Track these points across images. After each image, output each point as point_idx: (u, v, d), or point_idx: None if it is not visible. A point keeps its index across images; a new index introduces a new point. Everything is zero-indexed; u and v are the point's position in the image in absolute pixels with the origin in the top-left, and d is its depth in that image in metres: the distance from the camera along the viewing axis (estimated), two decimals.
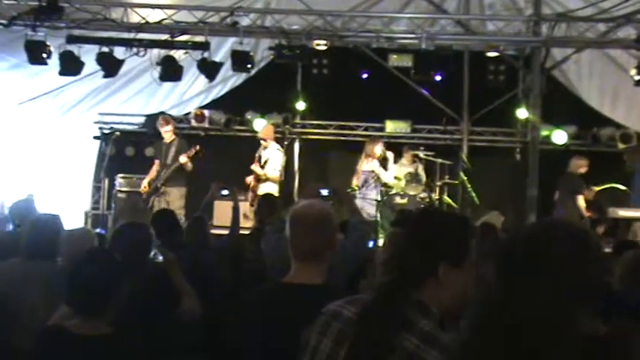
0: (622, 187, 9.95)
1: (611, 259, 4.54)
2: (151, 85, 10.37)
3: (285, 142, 10.92)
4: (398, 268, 1.93)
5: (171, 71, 9.34)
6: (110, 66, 9.33)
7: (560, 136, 11.15)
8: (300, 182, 11.78)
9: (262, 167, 9.86)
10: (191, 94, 11.48)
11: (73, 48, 9.10)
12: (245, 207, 9.01)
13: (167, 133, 9.66)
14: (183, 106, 11.67)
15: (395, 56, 10.10)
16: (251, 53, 9.48)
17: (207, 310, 4.07)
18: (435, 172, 10.45)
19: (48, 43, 9.03)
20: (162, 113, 11.16)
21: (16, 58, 9.73)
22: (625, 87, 9.95)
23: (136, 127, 11.85)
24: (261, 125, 11.20)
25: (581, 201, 9.37)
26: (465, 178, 10.14)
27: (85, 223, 10.80)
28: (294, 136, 11.95)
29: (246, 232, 6.59)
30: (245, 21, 9.52)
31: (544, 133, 10.76)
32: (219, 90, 11.45)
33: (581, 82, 10.89)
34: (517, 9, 10.34)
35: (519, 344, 1.74)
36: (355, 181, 9.83)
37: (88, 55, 9.22)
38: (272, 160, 9.89)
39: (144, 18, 9.24)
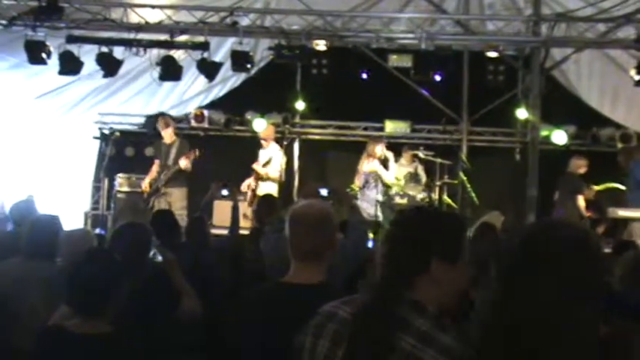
0: (621, 187, 9.94)
1: (611, 260, 4.54)
2: (151, 85, 10.37)
3: (285, 142, 10.92)
4: (389, 266, 1.92)
5: (170, 71, 9.34)
6: (110, 66, 9.34)
7: (559, 136, 11.14)
8: (299, 182, 11.78)
9: (263, 166, 9.89)
10: (191, 94, 11.48)
11: (73, 48, 9.10)
12: (243, 207, 9.02)
13: (167, 135, 9.66)
14: (183, 106, 11.67)
15: (394, 56, 10.10)
16: (251, 53, 9.48)
17: (207, 310, 4.07)
18: (435, 172, 10.44)
19: (48, 43, 9.03)
20: (162, 113, 11.17)
21: (16, 58, 9.74)
22: (625, 87, 9.96)
23: (135, 127, 11.86)
24: (260, 125, 11.21)
25: (581, 201, 9.38)
26: (465, 178, 10.14)
27: (85, 223, 10.80)
28: (293, 136, 11.95)
29: (246, 232, 6.59)
30: (245, 21, 9.52)
31: (544, 133, 10.75)
32: (218, 90, 11.45)
33: (581, 82, 10.89)
34: (517, 9, 10.34)
35: (519, 344, 1.75)
36: (357, 181, 9.84)
37: (88, 55, 9.23)
38: (275, 160, 9.92)
39: (143, 18, 9.24)
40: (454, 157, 10.85)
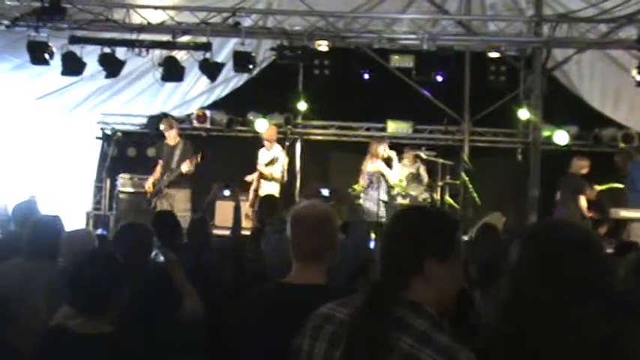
0: (623, 187, 9.93)
1: (613, 260, 4.53)
2: (153, 85, 10.38)
3: (287, 143, 10.93)
4: (384, 267, 1.92)
5: (173, 72, 9.36)
6: (112, 67, 9.35)
7: (561, 137, 11.14)
8: (301, 182, 11.78)
9: (266, 166, 9.91)
10: (193, 94, 11.49)
11: (76, 49, 9.12)
12: (245, 207, 9.02)
13: (171, 136, 9.65)
14: (185, 107, 11.69)
15: (396, 57, 10.11)
16: (253, 54, 9.49)
17: (209, 311, 4.07)
18: (437, 173, 10.45)
19: (50, 43, 9.06)
20: (164, 114, 11.20)
21: (18, 58, 9.75)
22: (627, 87, 9.95)
23: (137, 127, 11.88)
24: (262, 126, 11.23)
25: (583, 201, 9.37)
26: (467, 178, 10.14)
27: (87, 223, 10.82)
28: (295, 136, 11.94)
29: (247, 232, 6.60)
30: (247, 22, 9.54)
31: (545, 133, 10.76)
32: (221, 90, 11.47)
33: (583, 83, 10.89)
34: (518, 9, 10.33)
35: (521, 344, 1.75)
36: (361, 182, 9.85)
37: (90, 55, 9.25)
38: (279, 160, 9.96)
39: (146, 19, 9.25)
40: (456, 157, 10.86)
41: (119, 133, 11.20)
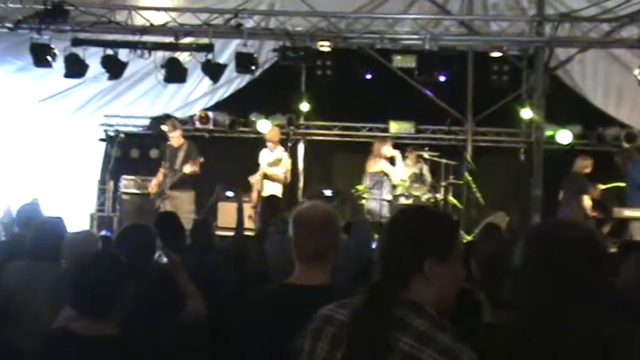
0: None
1: (617, 260, 4.53)
2: (156, 87, 10.40)
3: (290, 144, 10.93)
4: (384, 267, 1.92)
5: (175, 73, 9.36)
6: (115, 68, 9.37)
7: (564, 136, 11.13)
8: (304, 183, 11.79)
9: (270, 166, 9.92)
10: (195, 96, 11.51)
11: (78, 51, 9.13)
12: (248, 208, 9.02)
13: (175, 138, 9.65)
14: (188, 108, 11.71)
15: (399, 57, 10.11)
16: (255, 55, 9.49)
17: (212, 311, 4.08)
18: (440, 173, 10.45)
19: (53, 46, 9.07)
20: (167, 115, 11.22)
21: (21, 61, 9.77)
22: (629, 86, 9.94)
23: (140, 129, 11.89)
24: (265, 127, 11.24)
25: (586, 201, 9.36)
26: (470, 178, 10.16)
27: (91, 225, 10.83)
28: (298, 137, 11.96)
29: (250, 232, 6.61)
30: (249, 23, 9.54)
31: (548, 133, 10.75)
32: (223, 92, 11.48)
33: (586, 82, 10.88)
34: (520, 9, 10.33)
35: (525, 344, 1.75)
36: (367, 182, 9.85)
37: (93, 57, 9.26)
38: (284, 161, 9.98)
39: (148, 20, 9.27)
40: (459, 157, 10.86)
41: (122, 135, 11.22)
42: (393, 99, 11.15)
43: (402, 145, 10.66)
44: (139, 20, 9.31)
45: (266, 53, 10.36)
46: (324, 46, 9.36)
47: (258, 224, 6.91)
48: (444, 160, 10.43)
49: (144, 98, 11.40)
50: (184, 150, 9.57)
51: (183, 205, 9.23)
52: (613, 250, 5.81)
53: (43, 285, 3.93)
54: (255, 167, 10.11)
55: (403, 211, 2.09)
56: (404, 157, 10.37)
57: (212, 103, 11.70)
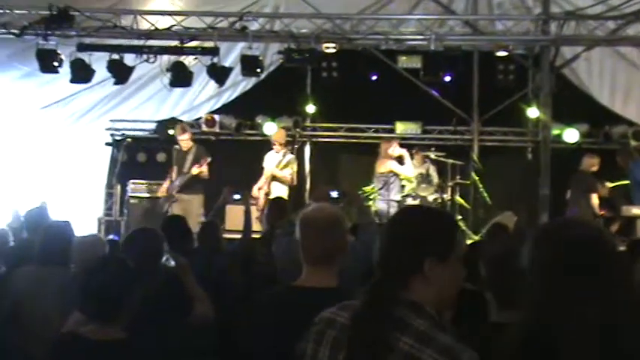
0: None
1: (627, 259, 4.51)
2: (162, 91, 10.43)
3: (296, 146, 10.94)
4: (384, 267, 1.92)
5: (181, 77, 9.38)
6: (121, 73, 9.39)
7: (571, 135, 11.10)
8: (311, 185, 11.79)
9: (278, 168, 9.94)
10: (201, 99, 11.53)
11: (84, 56, 9.16)
12: (255, 210, 9.03)
13: (184, 141, 9.65)
14: (194, 112, 11.73)
15: (404, 58, 10.11)
16: (260, 57, 9.50)
17: (220, 314, 4.08)
18: (447, 173, 10.44)
19: (59, 51, 9.10)
20: (173, 119, 11.24)
21: (27, 66, 9.82)
22: (636, 84, 9.93)
23: (147, 133, 11.91)
24: (271, 129, 11.26)
25: (594, 199, 9.33)
26: (477, 178, 10.14)
27: (99, 229, 10.87)
28: (304, 139, 11.96)
29: (258, 235, 6.61)
30: (254, 26, 9.55)
31: (555, 131, 10.72)
32: (229, 95, 11.50)
33: (592, 80, 10.84)
34: (525, 8, 10.31)
35: (535, 343, 1.75)
36: (376, 183, 9.84)
37: (99, 62, 9.29)
38: (292, 163, 9.99)
39: (153, 25, 9.29)
40: (465, 157, 10.84)
41: (129, 139, 11.24)
42: (398, 100, 11.14)
43: (408, 145, 10.64)
44: (144, 24, 9.34)
45: (271, 56, 10.38)
46: (329, 48, 9.36)
47: (265, 226, 6.90)
48: (450, 161, 10.41)
49: (150, 102, 11.43)
50: (193, 153, 9.57)
51: (193, 208, 9.23)
52: (622, 248, 5.80)
53: (52, 290, 3.94)
54: (261, 169, 10.11)
55: (403, 211, 2.10)
56: (411, 157, 10.35)
57: (218, 106, 11.72)
